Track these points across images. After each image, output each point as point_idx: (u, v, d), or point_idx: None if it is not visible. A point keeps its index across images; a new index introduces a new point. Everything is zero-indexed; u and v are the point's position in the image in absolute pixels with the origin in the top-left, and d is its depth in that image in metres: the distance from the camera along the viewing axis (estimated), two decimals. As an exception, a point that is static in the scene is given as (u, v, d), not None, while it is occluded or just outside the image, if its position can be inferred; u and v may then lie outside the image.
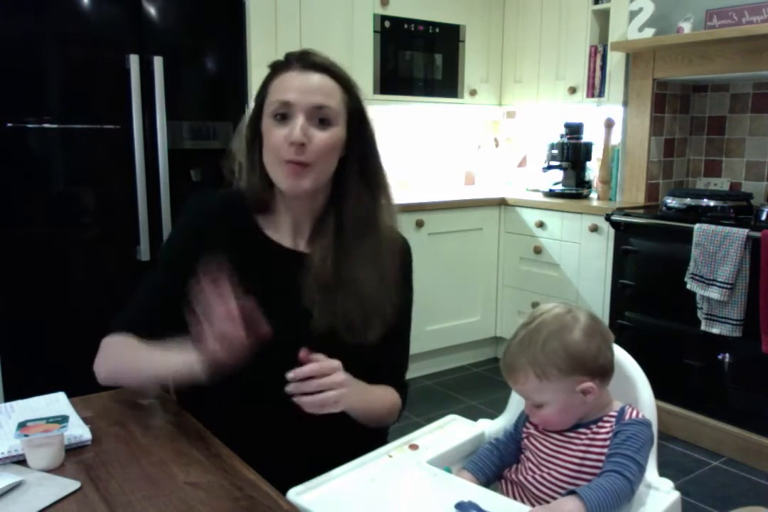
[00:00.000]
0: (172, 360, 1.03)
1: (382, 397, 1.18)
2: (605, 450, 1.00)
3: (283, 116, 1.10)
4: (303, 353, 1.00)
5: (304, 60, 1.12)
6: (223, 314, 0.96)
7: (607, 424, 1.02)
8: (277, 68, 1.14)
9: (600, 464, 1.00)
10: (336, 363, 1.02)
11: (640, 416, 1.03)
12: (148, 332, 1.11)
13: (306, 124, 1.09)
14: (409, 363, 1.29)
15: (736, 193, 2.95)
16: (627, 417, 1.02)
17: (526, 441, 1.09)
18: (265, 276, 1.16)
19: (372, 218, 1.17)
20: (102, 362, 1.15)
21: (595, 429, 1.03)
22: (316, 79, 1.11)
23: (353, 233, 1.16)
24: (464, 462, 1.12)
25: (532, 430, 1.09)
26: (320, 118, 1.10)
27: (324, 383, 0.99)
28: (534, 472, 1.05)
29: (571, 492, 0.92)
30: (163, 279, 1.19)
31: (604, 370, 1.04)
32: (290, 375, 0.98)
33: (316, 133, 1.10)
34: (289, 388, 0.98)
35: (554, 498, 1.01)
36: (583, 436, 1.03)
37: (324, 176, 1.14)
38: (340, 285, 1.13)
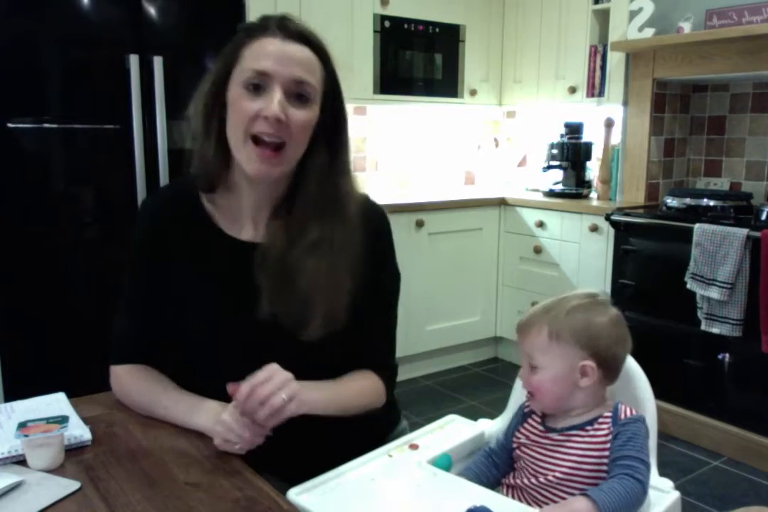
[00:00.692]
0: (191, 422, 1.05)
1: (347, 387, 1.11)
2: (605, 453, 0.99)
3: (257, 87, 1.00)
4: (231, 388, 0.95)
5: (286, 27, 1.02)
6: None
7: (604, 426, 1.02)
8: (252, 32, 1.03)
9: (599, 466, 0.99)
10: (268, 371, 0.96)
11: (633, 413, 1.03)
12: (149, 350, 1.16)
13: (284, 99, 0.99)
14: (395, 344, 1.22)
15: (736, 193, 2.95)
16: (622, 415, 1.02)
17: (518, 451, 1.08)
18: (222, 272, 1.10)
19: (332, 203, 1.08)
20: (120, 396, 1.16)
21: (592, 432, 1.02)
22: (298, 50, 1.02)
23: (306, 219, 1.07)
24: (461, 469, 1.11)
25: (522, 440, 1.08)
26: (298, 93, 1.01)
27: (267, 389, 0.93)
28: (530, 478, 1.05)
29: (583, 494, 0.92)
30: (138, 290, 1.17)
31: (611, 362, 1.04)
32: (234, 403, 0.96)
33: (294, 110, 1.01)
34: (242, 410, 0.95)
35: (554, 501, 1.01)
36: (578, 438, 1.02)
37: (295, 159, 1.06)
38: (286, 273, 1.05)
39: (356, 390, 1.12)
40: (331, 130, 1.08)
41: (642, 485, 0.93)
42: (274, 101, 0.98)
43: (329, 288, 1.05)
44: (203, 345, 1.12)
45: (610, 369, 1.05)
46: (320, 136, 1.07)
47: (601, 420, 1.03)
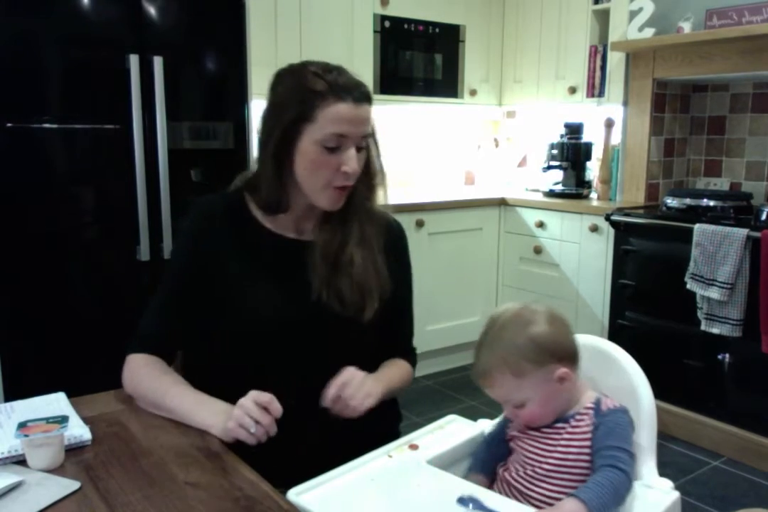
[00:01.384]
0: (193, 418, 1.08)
1: (395, 374, 1.28)
2: (587, 443, 1.01)
3: (336, 146, 1.14)
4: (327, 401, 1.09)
5: (355, 90, 1.14)
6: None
7: (586, 417, 1.04)
8: (325, 94, 1.13)
9: (583, 457, 1.01)
10: (349, 373, 1.11)
11: (616, 404, 1.04)
12: (170, 346, 1.23)
13: (356, 155, 1.16)
14: (413, 330, 1.41)
15: (736, 193, 2.95)
16: (604, 408, 1.04)
17: (512, 443, 1.11)
18: (270, 266, 1.22)
19: (367, 205, 1.26)
20: (130, 384, 1.19)
21: (574, 423, 1.04)
22: (365, 110, 1.16)
23: (352, 220, 1.24)
24: (470, 463, 1.13)
25: (514, 432, 1.10)
26: (360, 144, 1.17)
27: (351, 390, 1.09)
28: (518, 470, 1.06)
29: (571, 495, 0.93)
30: (176, 287, 1.23)
31: (572, 354, 1.06)
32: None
33: (358, 158, 1.17)
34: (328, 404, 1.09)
35: (542, 494, 1.02)
36: (561, 431, 1.04)
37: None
38: (339, 266, 1.21)
39: (400, 377, 1.29)
40: (369, 153, 1.23)
41: (626, 474, 0.94)
42: (353, 160, 1.15)
43: (377, 274, 1.23)
44: (255, 337, 1.19)
45: (574, 359, 1.07)
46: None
47: (583, 411, 1.05)
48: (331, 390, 1.08)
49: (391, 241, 1.31)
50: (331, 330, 1.21)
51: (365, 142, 1.19)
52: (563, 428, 1.04)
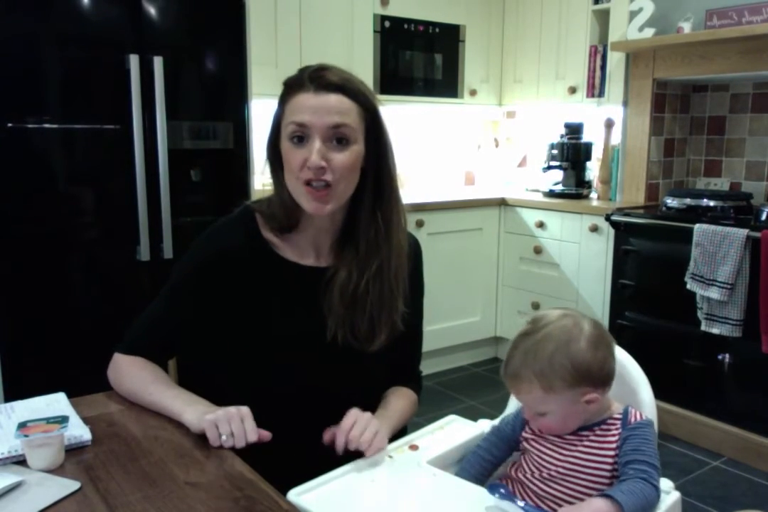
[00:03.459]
0: (171, 411, 1.08)
1: (403, 406, 1.25)
2: (611, 453, 1.00)
3: (300, 138, 1.09)
4: (327, 436, 1.07)
5: (319, 79, 1.09)
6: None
7: (613, 427, 1.02)
8: (291, 87, 1.12)
9: (604, 466, 1.00)
10: (352, 416, 1.07)
11: (643, 417, 1.03)
12: (158, 352, 1.21)
13: (323, 147, 1.08)
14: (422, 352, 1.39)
15: (736, 193, 2.95)
16: (632, 419, 1.02)
17: (525, 444, 1.09)
18: (283, 299, 1.19)
19: (383, 230, 1.18)
20: (115, 381, 1.20)
21: (599, 432, 1.02)
22: (332, 99, 1.09)
23: (366, 247, 1.17)
24: (456, 470, 1.12)
25: (530, 435, 1.09)
26: (338, 137, 1.09)
27: (357, 431, 1.04)
28: (534, 472, 1.05)
29: (603, 494, 0.92)
30: (172, 306, 1.21)
31: (608, 379, 1.04)
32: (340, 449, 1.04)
33: (335, 154, 1.09)
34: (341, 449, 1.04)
35: (557, 496, 1.02)
36: (584, 438, 1.03)
37: (346, 194, 1.15)
38: (356, 299, 1.17)
39: (406, 409, 1.26)
40: (376, 165, 1.16)
41: (657, 491, 0.94)
42: (314, 152, 1.08)
43: (390, 308, 1.19)
44: (263, 361, 1.18)
45: (609, 382, 1.04)
46: (368, 171, 1.16)
47: (610, 421, 1.03)
48: (340, 438, 1.04)
49: (410, 266, 1.27)
50: (340, 360, 1.19)
51: (347, 136, 1.10)
52: (586, 436, 1.03)
